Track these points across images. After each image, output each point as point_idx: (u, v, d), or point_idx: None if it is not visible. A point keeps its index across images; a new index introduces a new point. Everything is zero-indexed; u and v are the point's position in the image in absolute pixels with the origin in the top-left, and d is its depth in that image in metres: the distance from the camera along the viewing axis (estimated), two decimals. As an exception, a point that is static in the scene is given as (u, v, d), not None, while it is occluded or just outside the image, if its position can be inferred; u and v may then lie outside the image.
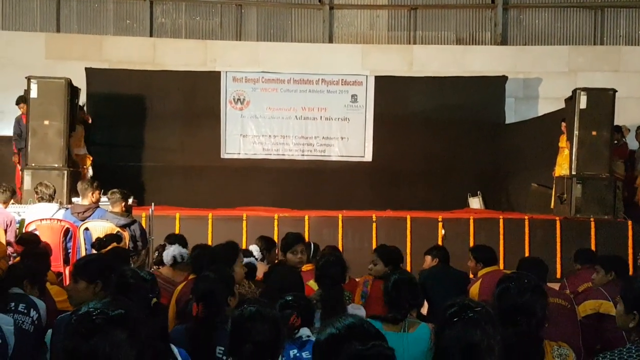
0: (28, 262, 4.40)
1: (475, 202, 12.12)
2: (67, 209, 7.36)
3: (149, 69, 12.47)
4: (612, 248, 8.62)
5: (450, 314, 2.29)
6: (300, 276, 4.93)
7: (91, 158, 10.51)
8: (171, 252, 4.90)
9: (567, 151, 9.89)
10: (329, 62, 12.76)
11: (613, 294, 4.26)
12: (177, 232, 8.16)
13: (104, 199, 7.45)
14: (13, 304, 3.64)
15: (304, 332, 3.18)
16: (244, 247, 8.05)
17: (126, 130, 12.16)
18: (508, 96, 12.75)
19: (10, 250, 6.32)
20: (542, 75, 12.99)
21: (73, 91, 9.80)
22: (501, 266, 7.07)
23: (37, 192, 7.44)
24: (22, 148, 10.03)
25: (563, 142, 10.07)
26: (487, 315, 2.29)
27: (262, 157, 12.32)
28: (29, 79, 9.42)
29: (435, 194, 12.07)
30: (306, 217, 9.17)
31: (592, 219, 9.28)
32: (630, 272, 5.92)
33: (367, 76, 12.45)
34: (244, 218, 9.13)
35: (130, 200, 7.76)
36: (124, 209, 7.17)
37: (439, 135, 12.37)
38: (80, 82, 11.11)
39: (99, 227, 6.76)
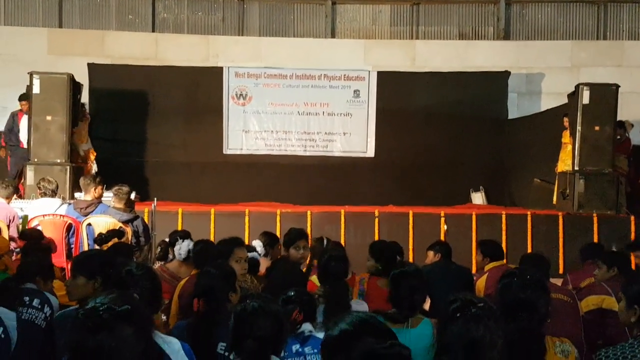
0: (39, 257, 4.41)
1: (478, 198, 12.11)
2: (69, 204, 7.37)
3: (151, 65, 12.47)
4: (615, 244, 8.60)
5: (452, 309, 2.29)
6: (302, 272, 4.94)
7: (95, 153, 10.52)
8: (185, 246, 4.91)
9: (569, 147, 9.87)
10: (331, 58, 12.74)
11: (615, 289, 4.26)
12: (179, 227, 8.19)
13: (106, 194, 7.46)
14: (27, 298, 3.66)
15: (306, 327, 3.19)
16: (246, 242, 8.09)
17: (128, 126, 12.16)
18: (511, 91, 12.72)
19: (13, 245, 6.33)
20: (544, 70, 12.96)
21: (75, 87, 9.81)
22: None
23: (39, 188, 7.45)
24: (12, 145, 10.05)
25: (566, 137, 10.05)
26: (490, 311, 2.30)
27: (264, 153, 12.31)
28: (31, 74, 9.42)
29: (437, 189, 12.05)
30: (308, 213, 9.17)
31: (594, 215, 9.27)
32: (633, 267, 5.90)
33: (369, 71, 12.42)
34: (247, 214, 9.14)
35: (132, 196, 7.76)
36: (126, 204, 7.17)
37: (442, 131, 12.35)
38: (83, 77, 11.10)
39: (102, 223, 6.77)
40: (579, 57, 12.99)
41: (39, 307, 3.66)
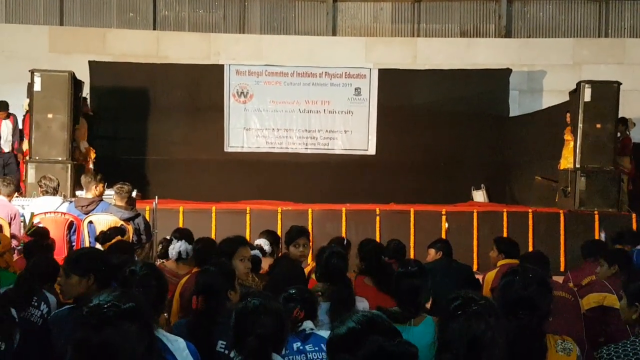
0: (48, 258, 4.41)
1: (479, 195, 12.11)
2: (70, 202, 7.38)
3: (153, 62, 12.47)
4: (605, 234, 8.61)
5: (454, 307, 2.29)
6: (303, 270, 4.94)
7: (94, 151, 10.53)
8: (177, 247, 4.91)
9: (572, 144, 9.86)
10: (332, 55, 12.73)
11: (616, 287, 4.26)
12: (180, 225, 8.18)
13: (108, 192, 7.46)
14: None
15: (307, 325, 3.18)
16: (248, 240, 8.08)
17: (130, 124, 12.17)
18: (512, 89, 12.71)
19: (14, 243, 6.33)
20: (546, 67, 12.95)
21: (77, 84, 9.81)
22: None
23: (40, 186, 7.46)
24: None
25: (568, 134, 10.04)
26: (491, 308, 2.29)
27: (265, 151, 12.32)
28: (32, 72, 9.43)
29: (438, 187, 12.06)
30: (310, 211, 9.17)
31: (596, 212, 9.26)
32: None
33: (370, 69, 12.43)
34: (248, 211, 9.13)
35: (134, 194, 7.76)
36: (127, 202, 7.18)
37: (443, 129, 12.35)
38: (84, 75, 11.12)
39: (103, 221, 6.78)
40: (581, 55, 12.98)
41: (36, 304, 3.68)
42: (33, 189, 8.52)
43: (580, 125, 9.55)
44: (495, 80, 12.66)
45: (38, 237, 5.79)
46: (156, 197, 8.51)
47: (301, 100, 12.34)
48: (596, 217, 9.19)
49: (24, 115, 10.09)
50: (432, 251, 5.71)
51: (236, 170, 12.12)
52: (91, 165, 10.21)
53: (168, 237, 5.24)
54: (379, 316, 2.13)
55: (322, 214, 9.29)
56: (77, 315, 2.03)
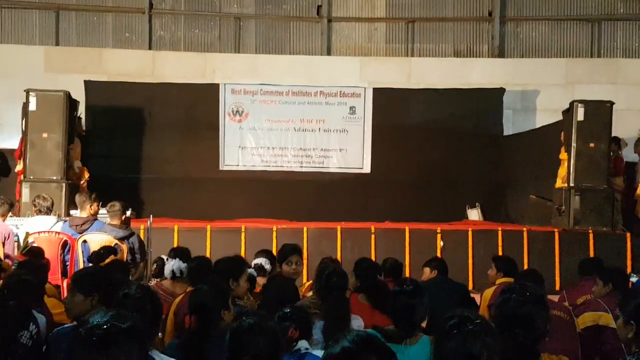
0: (20, 276, 4.34)
1: (474, 214, 12.11)
2: (65, 221, 7.35)
3: (148, 82, 12.50)
4: (611, 260, 8.59)
5: (450, 325, 2.29)
6: (297, 288, 4.94)
7: (87, 171, 10.50)
8: (170, 265, 4.91)
9: (566, 163, 9.89)
10: (327, 74, 12.79)
11: (612, 306, 4.26)
12: (175, 244, 8.16)
13: (102, 211, 7.45)
14: None
15: (302, 344, 3.17)
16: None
17: (125, 142, 12.17)
18: (506, 108, 12.77)
19: (9, 262, 6.29)
20: (539, 87, 13.03)
21: (72, 104, 9.82)
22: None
23: (35, 205, 7.43)
24: None
25: (564, 154, 10.08)
26: (487, 328, 2.29)
27: (260, 169, 12.32)
28: (27, 91, 9.44)
29: (433, 205, 12.07)
30: (305, 229, 9.16)
31: (590, 231, 9.27)
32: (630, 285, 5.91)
33: (365, 88, 12.47)
34: (243, 230, 9.12)
35: (128, 212, 7.75)
36: (122, 221, 7.16)
37: (437, 147, 12.39)
38: (80, 94, 11.15)
39: (97, 240, 6.75)
40: (574, 75, 13.07)
41: (25, 325, 3.63)
42: (27, 208, 8.48)
43: (573, 144, 9.60)
44: (489, 100, 12.73)
45: (33, 257, 5.75)
46: (151, 215, 8.50)
47: (296, 118, 12.37)
48: (591, 235, 9.20)
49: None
50: (427, 270, 5.71)
51: (231, 188, 12.11)
52: (85, 184, 10.18)
53: (163, 257, 5.24)
54: (373, 336, 2.13)
55: (318, 233, 9.29)
56: (75, 335, 2.03)
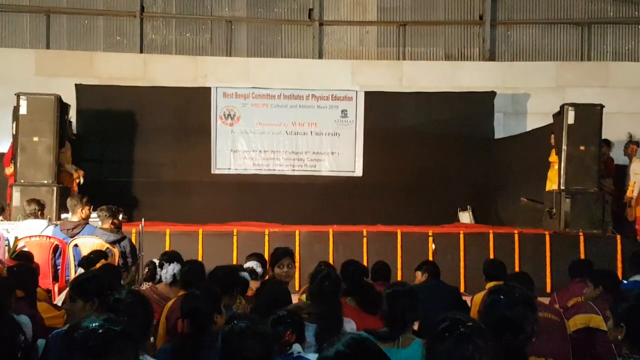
0: (14, 278, 4.33)
1: (465, 217, 12.15)
2: (56, 225, 7.32)
3: (140, 85, 12.48)
4: (601, 263, 8.63)
5: (442, 329, 2.29)
6: (289, 291, 4.94)
7: (82, 173, 10.46)
8: (171, 270, 4.90)
9: (556, 165, 9.95)
10: (319, 78, 12.80)
11: (602, 308, 4.28)
12: (167, 248, 8.14)
13: (94, 215, 7.42)
14: None
15: (296, 348, 3.18)
16: (235, 262, 8.06)
17: (116, 146, 12.14)
18: (497, 111, 12.83)
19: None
20: (530, 90, 13.09)
21: (63, 107, 9.79)
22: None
23: (25, 209, 7.40)
24: None
25: (553, 156, 10.14)
26: (479, 331, 2.30)
27: (252, 173, 12.31)
28: (18, 95, 9.41)
29: (425, 208, 12.09)
30: (297, 232, 9.16)
31: (581, 234, 9.32)
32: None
33: (357, 91, 12.50)
34: (235, 233, 9.11)
35: (120, 216, 7.73)
36: (113, 225, 7.14)
37: (429, 150, 12.43)
38: (71, 98, 11.11)
39: (88, 244, 6.73)
40: (564, 78, 13.14)
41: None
42: (18, 212, 8.45)
43: (564, 147, 9.65)
44: (480, 103, 12.78)
45: (22, 261, 5.73)
46: (142, 219, 8.48)
47: (288, 122, 12.38)
48: (581, 238, 9.24)
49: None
50: (418, 273, 5.73)
51: (223, 192, 12.10)
52: (76, 188, 10.14)
53: (154, 260, 5.22)
54: (367, 339, 2.14)
55: (310, 236, 9.29)
56: (69, 339, 2.02)
